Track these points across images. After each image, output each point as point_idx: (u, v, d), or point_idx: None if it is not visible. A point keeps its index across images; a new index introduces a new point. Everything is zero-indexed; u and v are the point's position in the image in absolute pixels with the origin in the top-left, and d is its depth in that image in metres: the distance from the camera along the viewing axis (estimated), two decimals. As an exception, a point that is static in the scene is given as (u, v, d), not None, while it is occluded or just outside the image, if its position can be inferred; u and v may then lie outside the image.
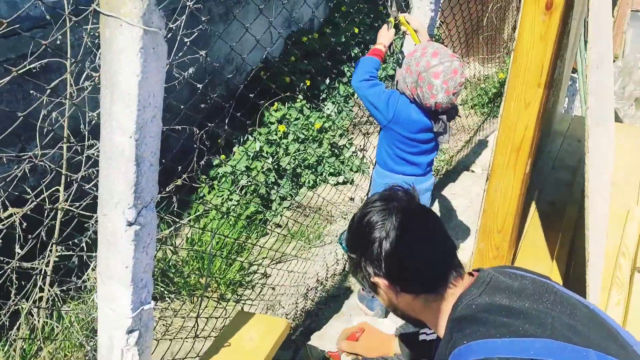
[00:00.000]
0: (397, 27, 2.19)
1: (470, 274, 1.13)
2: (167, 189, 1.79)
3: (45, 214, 1.85)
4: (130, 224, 1.14)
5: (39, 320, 2.11)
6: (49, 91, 1.55)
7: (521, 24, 1.84)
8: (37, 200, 1.79)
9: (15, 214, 1.86)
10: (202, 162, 2.15)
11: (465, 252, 2.92)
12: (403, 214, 1.08)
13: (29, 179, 1.80)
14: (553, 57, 1.86)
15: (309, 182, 3.68)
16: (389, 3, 2.22)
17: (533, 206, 3.15)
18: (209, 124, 1.97)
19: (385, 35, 2.19)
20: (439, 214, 3.45)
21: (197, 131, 1.97)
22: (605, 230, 2.71)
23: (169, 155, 2.17)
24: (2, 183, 1.81)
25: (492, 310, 0.99)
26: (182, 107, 1.93)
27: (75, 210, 1.82)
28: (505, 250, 2.22)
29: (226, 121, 2.43)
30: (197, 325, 1.92)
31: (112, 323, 1.24)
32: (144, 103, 1.04)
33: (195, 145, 1.86)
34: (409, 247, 1.06)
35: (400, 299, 1.11)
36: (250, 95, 2.20)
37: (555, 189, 3.27)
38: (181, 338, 2.01)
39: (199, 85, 1.90)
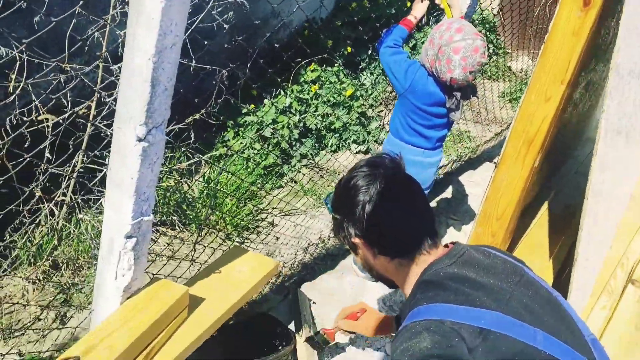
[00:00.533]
0: (432, 0, 2.21)
1: (447, 245, 1.20)
2: (187, 120, 1.90)
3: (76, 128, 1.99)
4: (139, 140, 1.26)
5: (57, 222, 2.29)
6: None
7: (556, 17, 1.85)
8: (72, 111, 1.93)
9: (49, 119, 2.02)
10: (232, 101, 2.24)
11: (465, 236, 2.98)
12: (387, 181, 1.14)
13: (67, 91, 1.94)
14: (582, 55, 1.87)
15: (331, 145, 3.76)
16: None
17: (545, 206, 3.17)
18: (240, 72, 2.06)
19: (419, 8, 2.22)
20: (451, 197, 3.50)
21: (227, 73, 2.06)
22: (610, 239, 2.72)
23: (204, 95, 2.27)
24: (44, 92, 1.95)
25: (456, 279, 1.06)
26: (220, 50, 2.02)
27: (102, 126, 1.95)
28: (501, 238, 2.28)
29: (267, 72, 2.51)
30: (195, 250, 2.06)
31: (114, 227, 1.38)
32: (165, 29, 1.14)
33: (224, 84, 1.95)
34: (389, 213, 1.13)
35: (376, 261, 1.19)
36: (289, 52, 2.27)
37: (573, 193, 3.26)
38: (179, 259, 2.15)
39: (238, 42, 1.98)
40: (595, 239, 2.27)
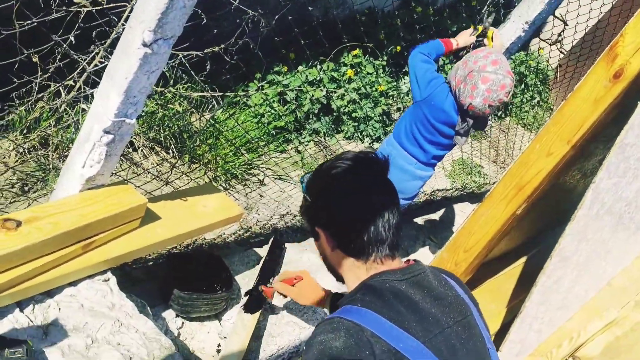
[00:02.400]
0: (480, 35, 2.21)
1: (409, 261, 1.20)
2: (206, 50, 1.94)
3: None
4: (144, 45, 1.30)
5: (60, 106, 2.36)
6: None
7: (584, 80, 1.85)
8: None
9: (85, 6, 2.07)
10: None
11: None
12: (365, 182, 1.13)
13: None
14: (596, 124, 1.87)
15: (347, 132, 3.78)
16: (486, 14, 2.24)
17: (523, 259, 3.17)
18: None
19: (465, 38, 2.23)
20: (439, 220, 3.52)
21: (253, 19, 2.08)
22: (572, 311, 2.73)
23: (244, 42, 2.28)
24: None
25: (398, 296, 1.06)
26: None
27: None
28: (462, 270, 2.30)
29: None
30: (170, 173, 2.11)
31: (96, 116, 1.43)
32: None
33: (248, 27, 1.97)
34: (356, 212, 1.12)
35: (332, 253, 1.18)
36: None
37: (554, 257, 3.26)
38: (163, 181, 2.21)
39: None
40: (552, 303, 2.28)
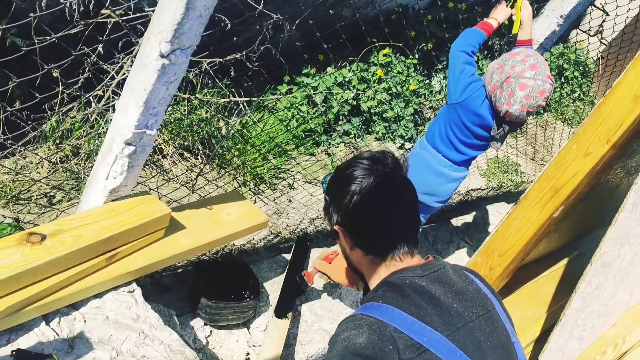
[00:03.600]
0: (511, 6, 2.12)
1: (428, 257, 1.19)
2: (228, 58, 1.93)
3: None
4: (162, 56, 1.29)
5: (92, 115, 2.40)
6: None
7: (623, 76, 1.75)
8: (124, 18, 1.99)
9: (110, 15, 2.09)
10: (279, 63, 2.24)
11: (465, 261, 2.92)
12: (382, 179, 1.13)
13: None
14: (637, 122, 1.76)
15: (378, 133, 3.73)
16: None
17: (564, 262, 3.05)
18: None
19: (501, 12, 2.13)
20: (474, 221, 3.42)
21: (276, 23, 2.05)
22: (614, 317, 2.61)
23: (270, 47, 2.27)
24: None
25: (419, 291, 1.06)
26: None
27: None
28: (497, 275, 2.22)
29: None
30: (196, 181, 2.11)
31: (117, 128, 1.43)
32: (212, -42, 1.15)
33: (269, 33, 1.95)
34: (373, 210, 1.13)
35: (352, 252, 1.20)
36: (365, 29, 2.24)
37: (596, 260, 3.13)
38: (186, 185, 2.22)
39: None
40: (593, 309, 2.17)
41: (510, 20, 2.16)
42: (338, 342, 1.00)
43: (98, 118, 2.41)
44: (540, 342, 2.40)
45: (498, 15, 2.16)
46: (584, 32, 5.16)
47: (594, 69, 5.38)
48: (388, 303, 1.04)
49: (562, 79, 5.16)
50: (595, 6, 4.50)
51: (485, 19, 2.17)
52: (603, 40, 5.02)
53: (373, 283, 1.17)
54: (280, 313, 2.03)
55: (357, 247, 1.17)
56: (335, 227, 1.19)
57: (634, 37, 3.81)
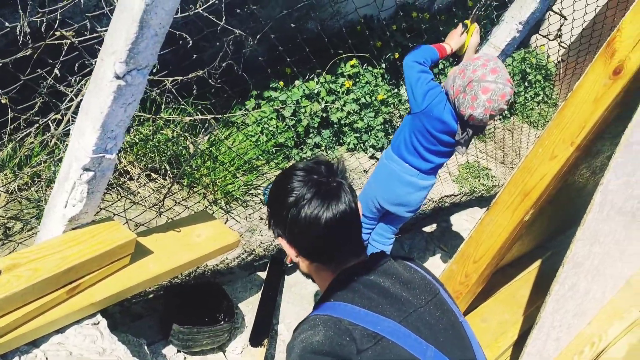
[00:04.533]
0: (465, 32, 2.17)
1: (371, 255, 1.20)
2: (190, 76, 1.89)
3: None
4: (117, 77, 1.25)
5: (51, 140, 2.32)
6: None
7: (582, 79, 1.77)
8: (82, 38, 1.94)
9: (63, 36, 2.03)
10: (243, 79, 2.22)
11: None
12: (317, 189, 1.10)
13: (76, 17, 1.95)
14: (599, 123, 1.78)
15: (349, 143, 3.72)
16: (472, 12, 2.19)
17: (537, 264, 3.07)
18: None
19: (456, 39, 2.16)
20: (448, 227, 3.42)
21: (237, 38, 2.03)
22: (589, 316, 2.63)
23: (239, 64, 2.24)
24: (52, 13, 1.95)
25: (368, 285, 1.09)
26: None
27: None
28: (473, 281, 2.22)
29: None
30: (163, 203, 2.05)
31: (74, 154, 1.38)
32: (164, -26, 1.12)
33: (230, 49, 1.92)
34: (312, 222, 1.09)
35: (298, 259, 1.19)
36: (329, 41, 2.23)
37: (569, 260, 3.16)
38: (153, 208, 2.16)
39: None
40: (568, 310, 2.18)
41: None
42: (295, 345, 1.02)
43: (58, 142, 2.33)
44: (519, 345, 2.40)
45: (452, 42, 2.18)
46: (544, 36, 5.28)
47: (555, 72, 5.50)
48: (339, 300, 1.07)
49: (526, 83, 5.26)
50: (553, 11, 4.61)
51: (441, 43, 2.20)
52: (562, 44, 5.14)
53: (323, 286, 1.18)
54: (255, 342, 1.98)
55: (301, 256, 1.16)
56: (278, 240, 1.18)
57: (592, 40, 3.91)
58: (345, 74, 3.78)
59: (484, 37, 2.32)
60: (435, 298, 1.12)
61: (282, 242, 1.16)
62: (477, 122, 1.99)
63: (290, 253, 1.17)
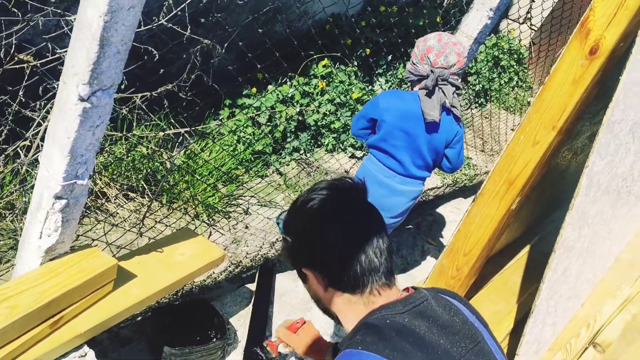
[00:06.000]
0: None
1: (407, 289, 1.11)
2: (159, 90, 1.83)
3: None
4: (82, 100, 1.19)
5: (22, 168, 2.24)
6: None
7: (559, 62, 1.75)
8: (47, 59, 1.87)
9: (28, 61, 1.96)
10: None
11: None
12: (346, 209, 1.05)
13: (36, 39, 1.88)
14: (580, 104, 1.77)
15: (327, 145, 3.68)
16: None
17: (526, 249, 3.07)
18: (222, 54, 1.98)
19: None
20: (435, 221, 3.41)
21: (205, 48, 1.98)
22: (583, 297, 2.63)
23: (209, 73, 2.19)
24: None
25: (402, 332, 0.98)
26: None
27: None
28: (465, 274, 2.20)
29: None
30: (142, 224, 1.99)
31: (45, 182, 1.32)
32: (122, -11, 1.07)
33: (197, 60, 1.87)
34: (343, 243, 1.04)
35: (325, 294, 1.10)
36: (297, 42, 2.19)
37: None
38: (133, 230, 2.10)
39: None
40: (562, 295, 2.18)
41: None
42: None
43: (30, 169, 2.26)
44: (516, 333, 2.39)
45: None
46: (514, 20, 5.31)
47: (527, 56, 5.54)
48: (368, 350, 0.95)
49: (499, 69, 5.28)
50: (520, -5, 4.63)
51: None
52: (533, 27, 5.18)
53: (350, 325, 1.07)
54: (249, 357, 1.92)
55: (330, 286, 1.07)
56: (304, 270, 1.08)
57: (562, 21, 3.93)
58: (318, 75, 3.75)
59: (454, 27, 2.31)
60: (478, 346, 1.02)
61: (309, 274, 1.07)
62: (442, 64, 1.98)
63: (315, 287, 1.08)
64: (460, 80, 2.03)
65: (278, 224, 1.18)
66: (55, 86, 1.88)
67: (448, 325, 1.02)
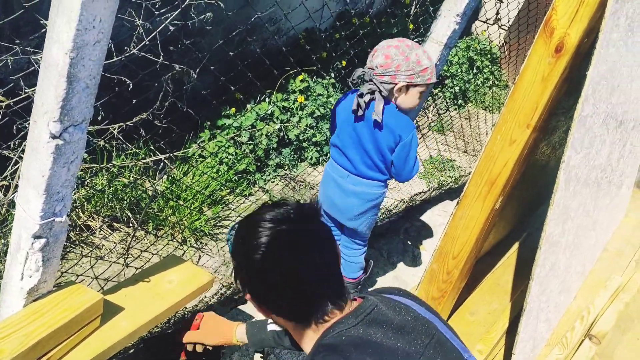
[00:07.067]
0: None
1: (355, 299, 1.10)
2: (135, 119, 1.83)
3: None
4: (53, 137, 1.19)
5: (1, 207, 2.22)
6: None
7: (527, 61, 1.78)
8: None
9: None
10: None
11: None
12: (288, 241, 1.01)
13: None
14: (551, 101, 1.80)
15: (311, 158, 3.69)
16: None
17: (515, 246, 3.09)
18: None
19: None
20: (423, 226, 3.42)
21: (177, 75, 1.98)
22: (574, 290, 2.64)
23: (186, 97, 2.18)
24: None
25: (360, 345, 0.97)
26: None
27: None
28: (456, 277, 2.20)
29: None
30: (127, 255, 1.98)
31: (22, 223, 1.30)
32: (86, 24, 1.06)
33: (169, 86, 1.88)
34: (285, 280, 1.01)
35: (272, 316, 1.09)
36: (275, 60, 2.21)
37: (545, 237, 3.19)
38: (119, 261, 2.08)
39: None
40: (552, 289, 2.19)
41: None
42: None
43: (10, 209, 2.23)
44: (511, 332, 2.39)
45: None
46: (484, 22, 5.38)
47: (500, 55, 5.61)
48: None
49: (475, 70, 5.35)
50: (488, -4, 4.70)
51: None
52: (502, 27, 5.26)
53: (307, 347, 1.06)
54: None
55: (276, 315, 1.06)
56: (247, 297, 1.07)
57: (529, 20, 4.00)
58: (296, 89, 3.76)
59: (424, 34, 2.33)
60: (434, 339, 1.02)
61: (252, 302, 1.05)
62: (369, 74, 1.99)
63: (262, 313, 1.07)
64: (397, 86, 1.95)
65: (228, 240, 1.16)
66: (27, 125, 1.87)
67: (401, 326, 1.02)
